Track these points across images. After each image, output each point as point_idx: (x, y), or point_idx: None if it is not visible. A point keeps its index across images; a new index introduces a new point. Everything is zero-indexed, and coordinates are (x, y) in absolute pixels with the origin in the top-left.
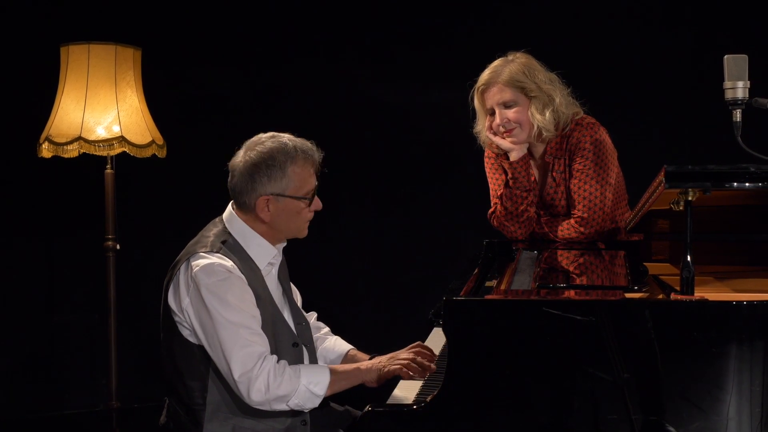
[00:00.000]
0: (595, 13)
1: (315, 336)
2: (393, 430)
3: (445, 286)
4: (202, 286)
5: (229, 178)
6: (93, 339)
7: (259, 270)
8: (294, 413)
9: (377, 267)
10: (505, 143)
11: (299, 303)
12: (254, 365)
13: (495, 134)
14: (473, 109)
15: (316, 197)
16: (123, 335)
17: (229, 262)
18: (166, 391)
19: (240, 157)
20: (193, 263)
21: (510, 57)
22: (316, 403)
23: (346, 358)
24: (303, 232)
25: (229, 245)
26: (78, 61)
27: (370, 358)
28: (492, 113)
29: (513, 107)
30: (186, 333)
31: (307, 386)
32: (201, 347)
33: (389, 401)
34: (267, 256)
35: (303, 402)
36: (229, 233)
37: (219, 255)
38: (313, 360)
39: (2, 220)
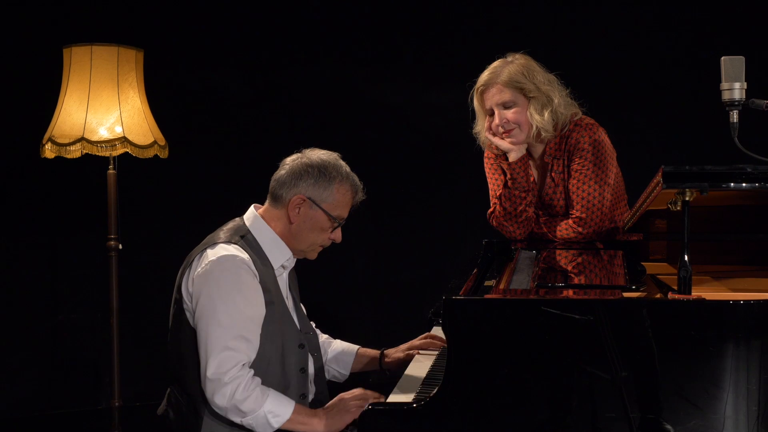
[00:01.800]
0: (594, 15)
1: (320, 341)
2: (393, 429)
3: (445, 286)
4: (213, 276)
5: (277, 170)
6: (96, 338)
7: (272, 269)
8: None
9: (377, 267)
10: (503, 144)
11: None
12: (228, 370)
13: (494, 135)
14: (473, 110)
15: (339, 229)
16: (125, 334)
17: (245, 255)
18: (169, 380)
19: (295, 156)
20: (209, 251)
21: (509, 58)
22: (268, 431)
23: (357, 356)
24: (313, 254)
25: (247, 240)
26: (81, 63)
27: (381, 353)
28: (491, 114)
29: (512, 108)
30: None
31: (267, 413)
32: None
33: (389, 400)
34: (282, 257)
35: (256, 425)
36: (248, 230)
37: (236, 246)
38: (320, 371)
39: (6, 221)
